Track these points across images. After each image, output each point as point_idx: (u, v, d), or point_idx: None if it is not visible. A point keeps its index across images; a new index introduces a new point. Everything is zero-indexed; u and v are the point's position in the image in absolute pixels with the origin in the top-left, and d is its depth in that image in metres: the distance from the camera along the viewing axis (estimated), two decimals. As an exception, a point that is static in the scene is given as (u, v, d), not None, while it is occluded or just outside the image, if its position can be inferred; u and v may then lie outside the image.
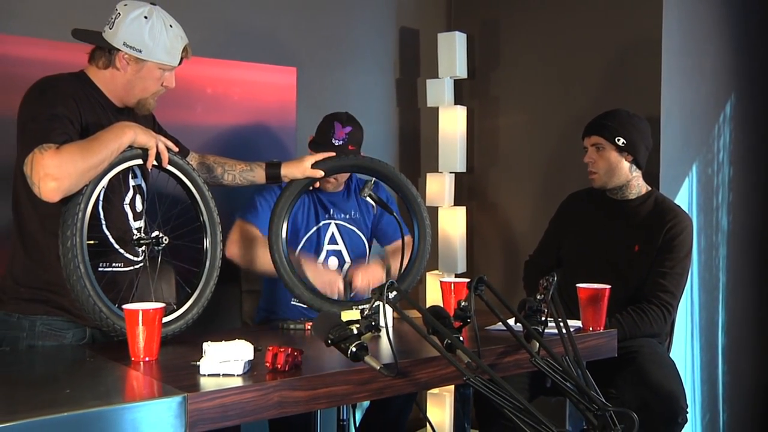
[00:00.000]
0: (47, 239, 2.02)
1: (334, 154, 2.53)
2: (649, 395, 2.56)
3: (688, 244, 2.77)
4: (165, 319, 2.00)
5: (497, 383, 1.53)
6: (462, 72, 3.63)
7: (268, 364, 1.68)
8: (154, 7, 2.12)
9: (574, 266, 2.88)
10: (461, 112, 3.63)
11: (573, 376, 1.69)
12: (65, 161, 1.84)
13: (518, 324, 1.94)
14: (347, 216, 2.82)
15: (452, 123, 3.61)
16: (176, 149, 2.18)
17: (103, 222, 2.09)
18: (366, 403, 2.94)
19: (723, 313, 3.64)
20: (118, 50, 2.10)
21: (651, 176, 3.05)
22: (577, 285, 2.29)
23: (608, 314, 2.35)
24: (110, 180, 2.00)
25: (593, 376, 1.80)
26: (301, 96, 3.29)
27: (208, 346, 1.67)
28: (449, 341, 1.71)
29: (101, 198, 2.04)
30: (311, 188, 2.63)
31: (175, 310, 2.10)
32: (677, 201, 3.15)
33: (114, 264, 2.13)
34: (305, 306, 2.48)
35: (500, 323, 1.92)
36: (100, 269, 2.08)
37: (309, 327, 2.24)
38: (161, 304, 1.82)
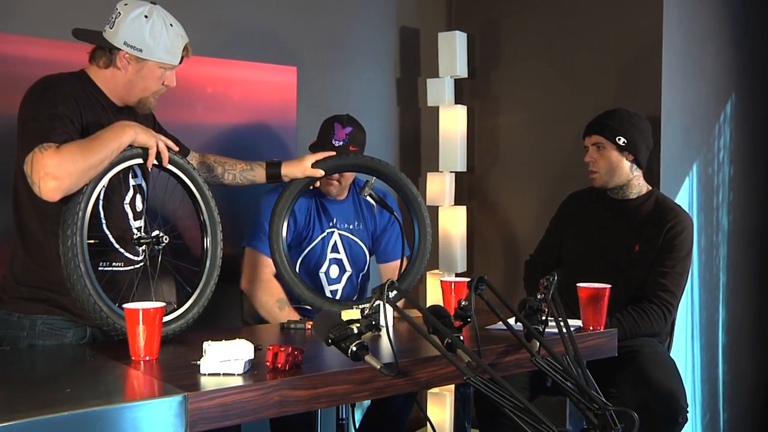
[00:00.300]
0: (48, 238, 2.02)
1: (334, 153, 2.53)
2: (649, 395, 2.56)
3: (689, 244, 2.77)
4: (165, 319, 2.00)
5: (498, 382, 1.53)
6: (462, 71, 3.63)
7: (268, 364, 1.68)
8: (154, 6, 2.12)
9: (575, 266, 2.88)
10: (462, 111, 3.63)
11: (573, 376, 1.69)
12: (65, 160, 1.84)
13: (519, 323, 1.94)
14: (350, 226, 2.82)
15: (453, 122, 3.61)
16: (176, 148, 2.18)
17: (104, 221, 2.09)
18: (366, 403, 2.94)
19: (723, 313, 3.64)
20: (119, 50, 2.10)
21: (651, 176, 3.05)
22: (578, 284, 2.29)
23: (609, 314, 2.35)
24: (110, 179, 2.00)
25: (594, 375, 1.80)
26: (302, 95, 3.29)
27: (208, 346, 1.67)
28: (449, 340, 1.71)
29: (101, 197, 2.04)
30: (312, 188, 2.62)
31: (176, 310, 2.10)
32: (678, 200, 3.15)
33: (114, 263, 2.13)
34: (306, 305, 2.49)
35: (501, 323, 1.92)
36: (100, 269, 2.08)
37: (309, 326, 2.24)
38: (161, 304, 1.82)
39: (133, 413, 1.44)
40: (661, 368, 2.63)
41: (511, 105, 3.71)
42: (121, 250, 2.14)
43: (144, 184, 2.25)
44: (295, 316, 2.55)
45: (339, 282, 2.80)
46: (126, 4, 2.10)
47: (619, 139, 2.78)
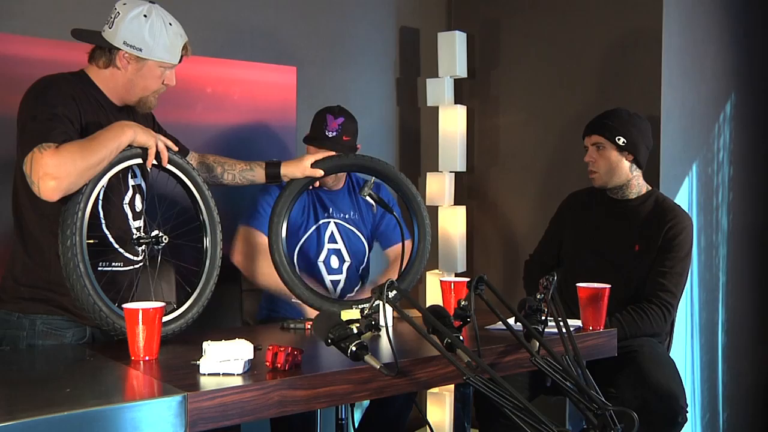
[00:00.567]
0: (47, 238, 2.02)
1: (333, 153, 2.53)
2: (648, 395, 2.56)
3: (688, 244, 2.77)
4: (165, 319, 2.00)
5: (497, 382, 1.53)
6: (462, 71, 3.63)
7: (268, 364, 1.68)
8: (153, 5, 2.12)
9: (574, 265, 2.88)
10: (461, 111, 3.63)
11: (573, 376, 1.69)
12: (65, 160, 1.84)
13: (518, 323, 1.94)
14: (346, 216, 2.83)
15: (452, 122, 3.61)
16: (176, 149, 2.17)
17: (103, 221, 2.09)
18: (366, 403, 2.94)
19: (723, 313, 3.64)
20: (119, 49, 2.10)
21: (651, 176, 3.05)
22: (577, 284, 2.29)
23: (608, 314, 2.35)
24: (110, 179, 2.00)
25: (593, 375, 1.80)
26: (302, 95, 3.29)
27: (208, 346, 1.67)
28: (449, 340, 1.71)
29: (101, 197, 2.04)
30: (311, 187, 2.62)
31: (175, 310, 2.10)
32: (677, 200, 3.15)
33: (114, 263, 2.13)
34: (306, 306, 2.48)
35: (500, 322, 1.92)
36: (99, 268, 2.07)
37: (309, 326, 2.24)
38: (161, 304, 1.82)
39: (132, 413, 1.44)
40: (661, 368, 2.63)
41: (510, 105, 3.71)
42: (121, 250, 2.14)
43: (143, 184, 2.25)
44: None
45: (340, 273, 2.80)
46: (125, 4, 2.10)
47: (619, 139, 2.78)
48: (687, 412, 2.58)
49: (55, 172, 1.83)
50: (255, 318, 2.90)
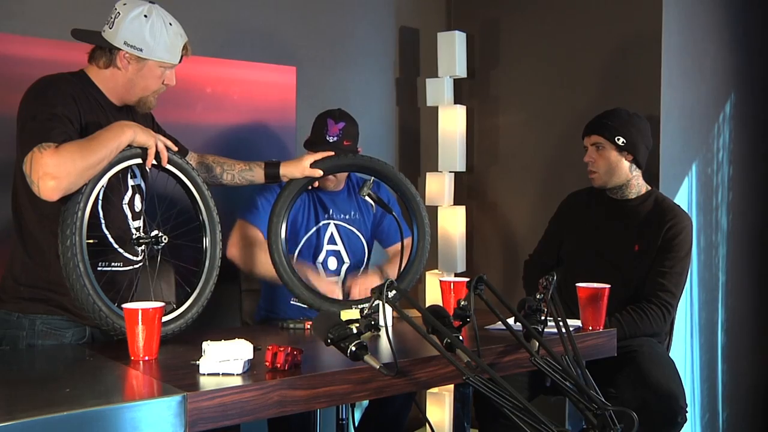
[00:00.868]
0: (47, 238, 2.02)
1: (332, 153, 2.53)
2: (648, 395, 2.56)
3: (688, 244, 2.77)
4: (165, 319, 2.00)
5: (497, 382, 1.53)
6: (462, 71, 3.63)
7: (267, 364, 1.68)
8: (153, 5, 2.12)
9: (574, 265, 2.88)
10: (461, 111, 3.63)
11: (572, 376, 1.69)
12: (64, 160, 1.84)
13: (518, 323, 1.94)
14: (346, 216, 2.82)
15: (452, 122, 3.61)
16: (175, 149, 2.18)
17: (103, 221, 2.09)
18: (365, 403, 2.95)
19: (722, 313, 3.64)
20: (119, 49, 2.10)
21: (651, 176, 3.05)
22: (577, 284, 2.29)
23: (608, 314, 2.35)
24: (109, 179, 2.00)
25: (593, 375, 1.80)
26: (301, 95, 3.29)
27: (207, 346, 1.67)
28: (449, 340, 1.71)
29: (100, 197, 2.04)
30: (310, 187, 2.62)
31: (175, 310, 2.10)
32: (677, 200, 3.15)
33: (113, 263, 2.13)
34: (305, 305, 2.48)
35: (500, 322, 1.92)
36: (99, 268, 2.08)
37: (309, 326, 2.24)
38: (161, 304, 1.82)
39: (132, 413, 1.44)
40: (661, 368, 2.63)
41: (510, 105, 3.71)
42: (120, 250, 2.14)
43: (143, 185, 2.25)
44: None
45: (338, 274, 2.80)
46: (125, 4, 2.10)
47: (619, 139, 2.78)
48: (686, 412, 2.58)
49: (54, 171, 1.83)
50: (254, 318, 2.90)
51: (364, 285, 2.59)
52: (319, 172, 2.47)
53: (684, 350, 3.36)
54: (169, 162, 2.12)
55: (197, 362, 1.67)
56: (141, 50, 2.10)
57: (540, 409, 1.48)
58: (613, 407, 1.57)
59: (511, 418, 1.49)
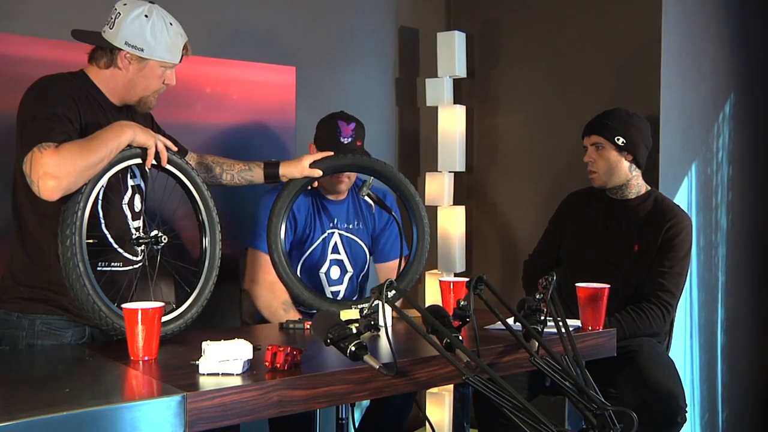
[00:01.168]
0: (47, 238, 2.02)
1: (332, 153, 2.53)
2: (648, 395, 2.56)
3: (688, 244, 2.77)
4: (164, 318, 2.00)
5: (496, 382, 1.53)
6: (461, 71, 3.63)
7: (267, 364, 1.68)
8: (153, 5, 2.12)
9: (574, 265, 2.88)
10: (460, 111, 3.63)
11: (572, 376, 1.69)
12: (64, 160, 1.84)
13: (517, 323, 1.94)
14: (350, 226, 2.82)
15: (451, 122, 3.61)
16: (175, 149, 2.18)
17: (102, 221, 2.09)
18: (365, 403, 2.95)
19: (722, 313, 3.64)
20: (120, 50, 2.10)
21: (650, 176, 3.05)
22: (577, 284, 2.29)
23: (607, 314, 2.35)
24: (109, 179, 2.00)
25: (592, 375, 1.80)
26: (301, 95, 3.29)
27: (207, 346, 1.67)
28: (448, 340, 1.71)
29: (100, 197, 2.04)
30: (310, 188, 2.62)
31: (175, 310, 2.10)
32: (676, 200, 3.15)
33: (113, 263, 2.13)
34: (305, 306, 2.49)
35: (499, 322, 1.92)
36: (99, 268, 2.08)
37: (308, 326, 2.24)
38: (160, 303, 1.82)
39: (131, 413, 1.44)
40: (660, 368, 2.63)
41: (510, 105, 3.71)
42: (120, 250, 2.14)
43: (143, 185, 2.25)
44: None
45: (341, 283, 2.79)
46: (125, 4, 2.10)
47: (618, 139, 2.78)
48: (686, 411, 2.58)
49: (54, 171, 1.83)
50: (254, 318, 2.89)
51: None
52: (318, 172, 2.47)
53: (684, 350, 3.36)
54: (169, 162, 2.12)
55: (197, 362, 1.67)
56: (142, 50, 2.10)
57: (540, 409, 1.48)
58: (612, 407, 1.58)
59: (510, 418, 1.49)
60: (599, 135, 2.83)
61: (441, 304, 2.27)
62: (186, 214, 2.29)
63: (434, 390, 3.52)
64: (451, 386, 3.01)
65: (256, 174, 2.49)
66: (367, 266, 2.87)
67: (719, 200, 3.59)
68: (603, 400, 1.61)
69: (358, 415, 2.97)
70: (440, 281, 2.44)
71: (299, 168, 2.47)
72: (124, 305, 1.79)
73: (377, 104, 3.64)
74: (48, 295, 2.07)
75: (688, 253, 2.77)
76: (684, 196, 3.32)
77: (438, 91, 3.62)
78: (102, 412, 1.41)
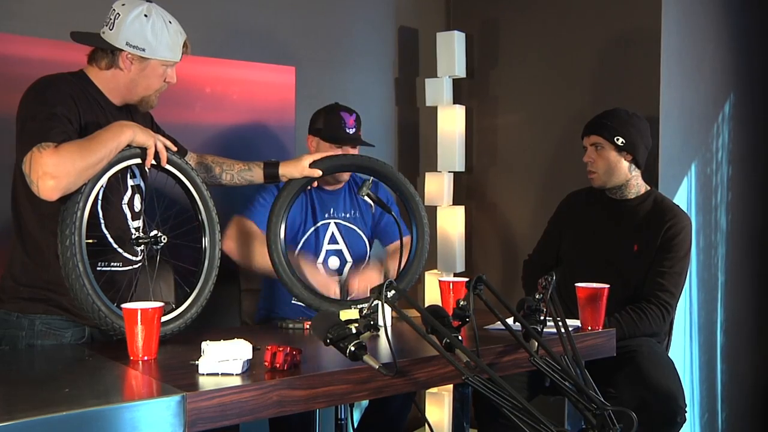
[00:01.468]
0: (46, 238, 2.02)
1: (331, 153, 2.53)
2: (647, 395, 2.56)
3: (687, 244, 2.77)
4: (164, 318, 2.00)
5: (496, 382, 1.53)
6: (461, 71, 3.63)
7: (266, 364, 1.68)
8: (152, 4, 2.12)
9: (573, 265, 2.88)
10: (460, 111, 3.63)
11: (572, 376, 1.69)
12: (64, 160, 1.84)
13: (517, 323, 1.94)
14: (347, 215, 2.82)
15: (451, 122, 3.61)
16: (175, 149, 2.18)
17: (102, 221, 2.09)
18: (365, 403, 2.95)
19: (722, 313, 3.64)
20: (121, 50, 2.10)
21: (650, 176, 3.05)
22: (576, 284, 2.29)
23: (607, 314, 2.35)
24: (109, 179, 2.00)
25: (592, 375, 1.80)
26: (300, 95, 3.29)
27: (206, 346, 1.67)
28: (448, 340, 1.71)
29: (100, 197, 2.04)
30: (309, 187, 2.62)
31: (174, 309, 2.10)
32: (676, 200, 3.15)
33: (113, 263, 2.13)
34: (305, 305, 2.48)
35: (499, 322, 1.92)
36: (98, 268, 2.08)
37: (308, 326, 2.24)
38: (160, 303, 1.82)
39: (131, 413, 1.44)
40: (660, 368, 2.63)
41: (509, 105, 3.71)
42: (120, 250, 2.14)
43: (142, 185, 2.25)
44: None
45: (340, 273, 2.79)
46: (123, 5, 2.10)
47: (618, 139, 2.79)
48: (686, 411, 2.58)
49: (54, 171, 1.83)
50: (254, 318, 2.90)
51: (363, 279, 2.58)
52: (318, 172, 2.47)
53: (683, 350, 3.36)
54: (169, 162, 2.12)
55: (196, 362, 1.67)
56: (144, 50, 2.10)
57: (539, 409, 1.48)
58: (612, 407, 1.58)
59: (510, 418, 1.49)
60: (599, 135, 2.83)
61: (441, 304, 2.27)
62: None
63: (434, 390, 3.52)
64: (451, 386, 3.02)
65: (255, 174, 2.49)
66: (367, 258, 2.87)
67: (719, 200, 3.59)
68: (602, 400, 1.61)
69: (357, 416, 2.97)
70: (440, 281, 2.44)
71: (299, 168, 2.47)
72: (123, 305, 1.79)
73: (377, 104, 3.64)
74: (48, 295, 2.07)
75: (687, 253, 2.77)
76: (683, 196, 3.32)
77: (437, 91, 3.62)
78: (102, 412, 1.41)
